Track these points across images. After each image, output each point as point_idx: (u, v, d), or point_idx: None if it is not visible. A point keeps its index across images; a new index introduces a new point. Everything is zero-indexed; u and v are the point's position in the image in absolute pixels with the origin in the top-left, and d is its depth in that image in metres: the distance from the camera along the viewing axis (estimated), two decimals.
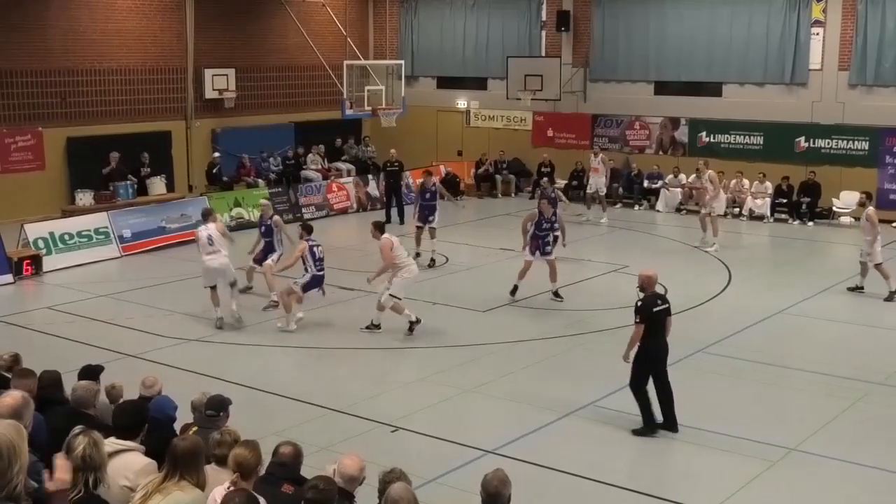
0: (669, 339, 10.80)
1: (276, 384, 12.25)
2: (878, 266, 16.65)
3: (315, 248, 14.79)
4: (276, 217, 17.27)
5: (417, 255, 18.43)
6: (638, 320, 10.44)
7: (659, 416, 10.60)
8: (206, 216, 15.54)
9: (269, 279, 16.14)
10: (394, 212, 24.26)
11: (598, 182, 24.40)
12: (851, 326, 15.15)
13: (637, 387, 10.55)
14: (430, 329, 14.72)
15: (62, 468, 5.39)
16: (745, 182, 24.79)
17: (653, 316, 10.45)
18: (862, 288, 16.92)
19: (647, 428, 10.51)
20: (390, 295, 14.17)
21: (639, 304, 10.51)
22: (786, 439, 10.49)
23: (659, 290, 16.86)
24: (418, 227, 19.36)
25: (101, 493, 5.17)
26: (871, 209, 16.89)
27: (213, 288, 14.89)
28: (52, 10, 23.24)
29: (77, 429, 5.48)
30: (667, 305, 10.70)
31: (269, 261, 16.37)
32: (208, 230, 14.91)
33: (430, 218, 19.21)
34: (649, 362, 10.52)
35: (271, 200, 23.88)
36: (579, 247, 20.46)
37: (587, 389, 12.06)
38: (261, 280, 16.60)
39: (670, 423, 10.55)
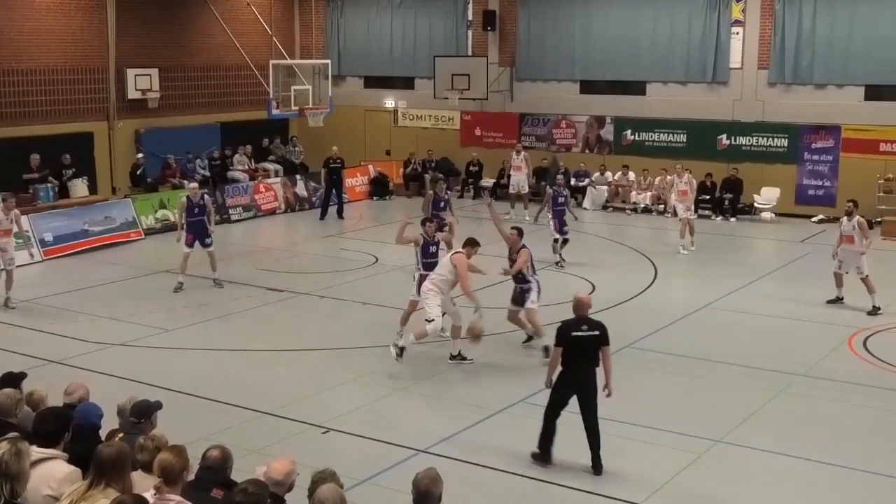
0: None
1: (204, 387, 12.09)
2: (866, 278, 15.63)
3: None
4: (207, 196, 18.08)
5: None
6: (555, 343, 9.74)
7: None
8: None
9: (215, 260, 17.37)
10: (332, 209, 24.76)
11: (520, 180, 24.63)
12: (774, 319, 15.48)
13: (546, 411, 9.86)
14: (361, 329, 14.69)
15: None
16: (669, 179, 25.18)
17: (570, 341, 9.59)
18: (842, 298, 16.07)
19: (541, 456, 9.86)
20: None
21: (560, 324, 9.82)
22: (712, 431, 10.69)
23: (585, 287, 17.18)
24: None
25: None
26: (860, 217, 15.91)
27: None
28: None
29: (8, 435, 5.37)
30: (596, 333, 9.64)
31: (211, 248, 17.34)
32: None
33: (446, 228, 17.41)
34: (562, 390, 9.76)
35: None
36: (504, 246, 20.54)
37: (517, 386, 12.14)
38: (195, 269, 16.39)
39: (595, 465, 9.69)
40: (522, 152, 25.04)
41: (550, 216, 19.31)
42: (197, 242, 17.28)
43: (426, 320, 12.59)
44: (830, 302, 16.13)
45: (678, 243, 20.55)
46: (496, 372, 12.87)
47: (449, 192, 18.93)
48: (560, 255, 19.02)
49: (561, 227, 19.14)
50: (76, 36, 24.83)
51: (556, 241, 19.07)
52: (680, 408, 11.53)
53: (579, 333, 9.58)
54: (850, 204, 16.19)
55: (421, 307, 13.08)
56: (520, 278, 13.51)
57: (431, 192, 18.87)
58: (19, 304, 16.14)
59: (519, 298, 13.60)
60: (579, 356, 9.58)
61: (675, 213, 21.69)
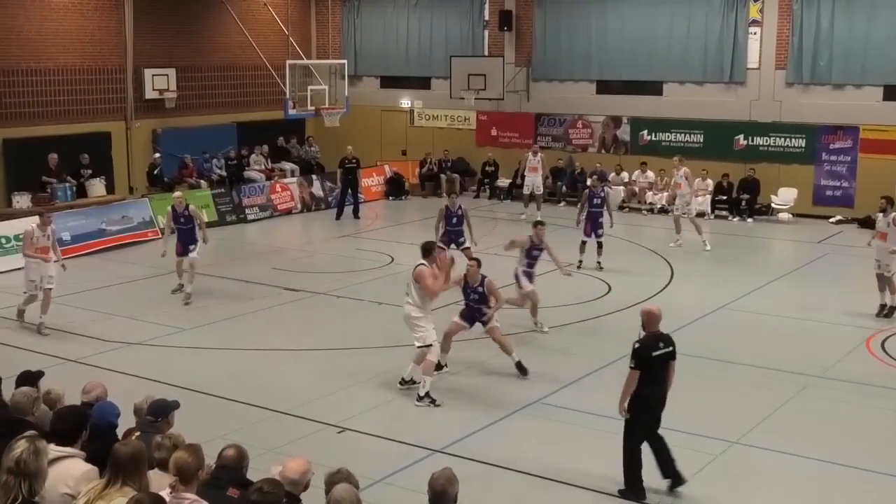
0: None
1: (220, 387, 12.13)
2: (891, 278, 15.18)
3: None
4: (192, 206, 17.21)
5: None
6: (633, 365, 9.00)
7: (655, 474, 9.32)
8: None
9: (194, 272, 16.44)
10: (348, 209, 24.76)
11: (535, 181, 24.43)
12: (791, 321, 15.40)
13: (629, 442, 9.19)
14: (377, 329, 14.69)
15: None
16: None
17: (651, 361, 9.03)
18: (886, 306, 15.31)
19: (631, 491, 9.19)
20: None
21: (636, 345, 9.07)
22: (728, 433, 10.66)
23: (601, 288, 17.14)
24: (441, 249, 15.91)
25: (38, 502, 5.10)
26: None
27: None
28: None
29: (27, 433, 5.41)
30: (670, 349, 9.22)
31: (194, 254, 16.55)
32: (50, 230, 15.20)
33: (461, 239, 17.55)
34: (643, 413, 9.14)
35: (215, 201, 23.83)
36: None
37: (533, 387, 12.14)
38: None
39: (675, 476, 9.29)
40: (539, 153, 24.90)
41: (584, 217, 18.92)
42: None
43: (423, 347, 11.76)
44: (881, 315, 15.24)
45: (673, 238, 20.84)
46: (512, 372, 12.83)
47: (462, 207, 17.79)
48: (598, 261, 18.69)
49: (594, 229, 18.78)
50: (94, 36, 24.94)
51: (583, 243, 18.81)
52: (696, 409, 11.45)
53: (659, 352, 9.07)
54: (884, 200, 15.74)
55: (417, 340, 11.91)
56: (478, 299, 12.62)
57: (443, 208, 17.97)
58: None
59: (469, 317, 12.74)
60: (656, 375, 9.08)
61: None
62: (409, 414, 11.43)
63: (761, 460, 10.06)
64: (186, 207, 16.92)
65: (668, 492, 9.26)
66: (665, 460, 9.25)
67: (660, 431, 9.27)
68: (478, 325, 12.77)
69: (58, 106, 24.34)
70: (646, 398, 9.07)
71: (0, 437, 5.87)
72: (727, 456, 10.17)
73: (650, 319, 9.20)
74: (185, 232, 16.76)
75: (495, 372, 12.88)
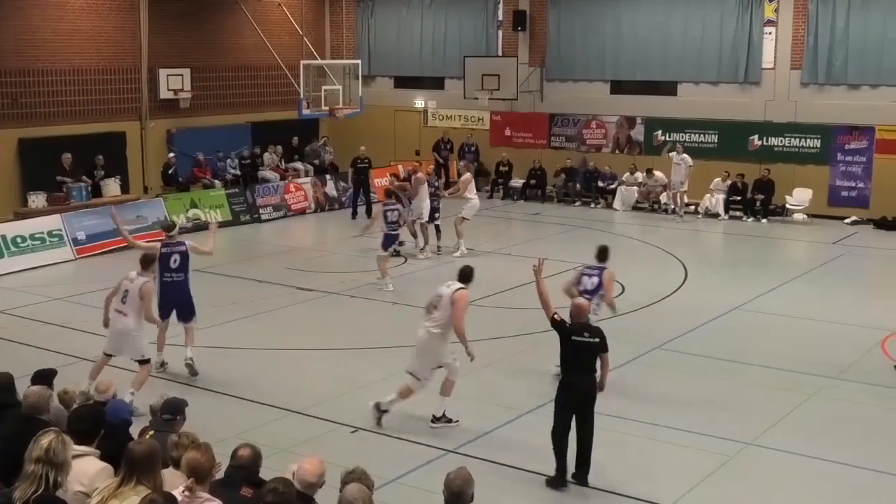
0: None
1: (233, 386, 12.15)
2: None
3: (388, 212, 17.41)
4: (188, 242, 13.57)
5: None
6: (551, 325, 9.44)
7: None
8: (148, 265, 11.83)
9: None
10: (361, 208, 24.75)
11: (420, 207, 19.69)
12: (806, 322, 15.33)
13: (554, 430, 9.42)
14: (391, 329, 14.69)
15: None
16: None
17: (571, 343, 9.29)
18: None
19: (557, 477, 9.38)
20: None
21: (568, 324, 9.39)
22: (742, 434, 10.61)
23: (615, 288, 17.05)
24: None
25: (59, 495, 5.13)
26: None
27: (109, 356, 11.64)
28: (2, 10, 22.86)
29: (50, 428, 5.46)
30: (597, 340, 9.32)
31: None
32: (136, 284, 11.54)
33: None
34: (568, 400, 9.36)
35: (229, 201, 23.87)
36: (536, 245, 20.51)
37: (546, 387, 12.09)
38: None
39: (581, 474, 9.41)
40: (419, 172, 20.60)
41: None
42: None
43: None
44: None
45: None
46: (525, 373, 12.82)
47: None
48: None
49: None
50: (109, 36, 25.03)
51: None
52: (710, 410, 11.44)
53: (582, 339, 9.28)
54: None
55: None
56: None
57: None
58: (53, 301, 16.28)
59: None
60: (582, 363, 9.30)
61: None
62: (423, 414, 11.41)
63: (776, 462, 10.02)
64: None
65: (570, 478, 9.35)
66: (581, 457, 9.35)
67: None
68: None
69: (73, 106, 24.44)
70: (572, 386, 9.30)
71: (15, 435, 5.91)
72: (741, 457, 10.12)
73: (578, 312, 9.55)
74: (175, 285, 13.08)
75: (509, 371, 12.87)
